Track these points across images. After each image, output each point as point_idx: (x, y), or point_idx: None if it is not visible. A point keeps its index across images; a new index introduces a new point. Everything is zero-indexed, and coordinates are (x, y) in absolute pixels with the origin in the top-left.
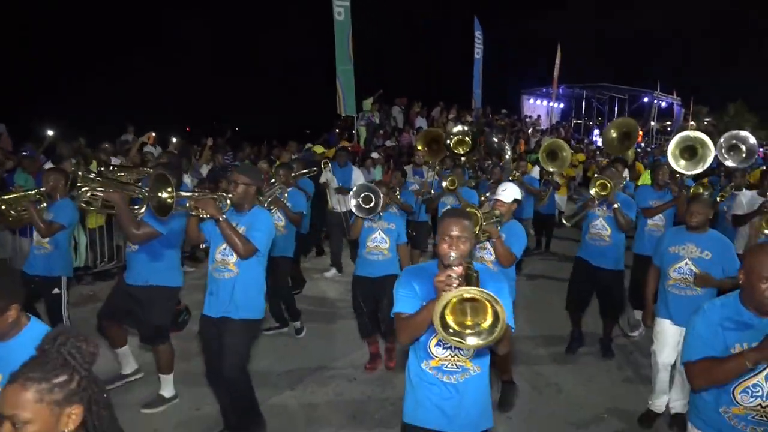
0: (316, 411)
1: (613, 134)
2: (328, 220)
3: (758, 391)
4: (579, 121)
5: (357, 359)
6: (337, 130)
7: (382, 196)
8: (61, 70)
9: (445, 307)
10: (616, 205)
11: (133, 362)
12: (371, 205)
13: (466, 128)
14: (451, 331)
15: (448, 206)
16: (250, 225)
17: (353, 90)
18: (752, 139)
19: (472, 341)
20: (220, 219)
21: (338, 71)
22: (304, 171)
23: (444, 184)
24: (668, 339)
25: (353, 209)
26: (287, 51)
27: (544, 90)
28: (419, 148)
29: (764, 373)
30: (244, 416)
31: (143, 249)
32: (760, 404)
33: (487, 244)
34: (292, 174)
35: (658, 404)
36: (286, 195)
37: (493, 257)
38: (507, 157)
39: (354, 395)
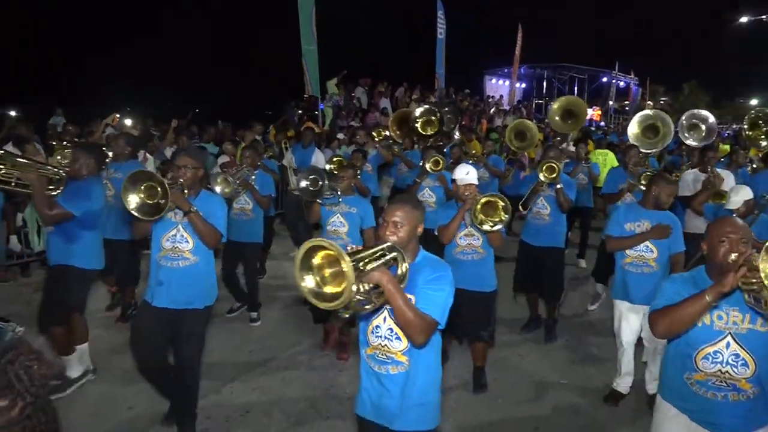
0: (278, 397)
1: (556, 108)
2: (285, 200)
3: (718, 358)
4: (540, 101)
5: (320, 342)
6: (299, 111)
7: (327, 180)
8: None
9: (302, 261)
10: (558, 186)
11: (88, 360)
12: (317, 188)
13: (431, 108)
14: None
15: (426, 189)
16: (206, 212)
17: (317, 70)
18: (712, 118)
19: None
20: (191, 210)
21: (303, 51)
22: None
23: (427, 165)
24: (629, 320)
25: (300, 191)
26: (253, 32)
27: (506, 70)
28: (393, 129)
29: (725, 340)
30: (190, 407)
31: (59, 230)
32: (719, 370)
33: (474, 230)
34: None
35: (624, 384)
36: (254, 177)
37: (480, 242)
38: (456, 137)
39: (322, 376)
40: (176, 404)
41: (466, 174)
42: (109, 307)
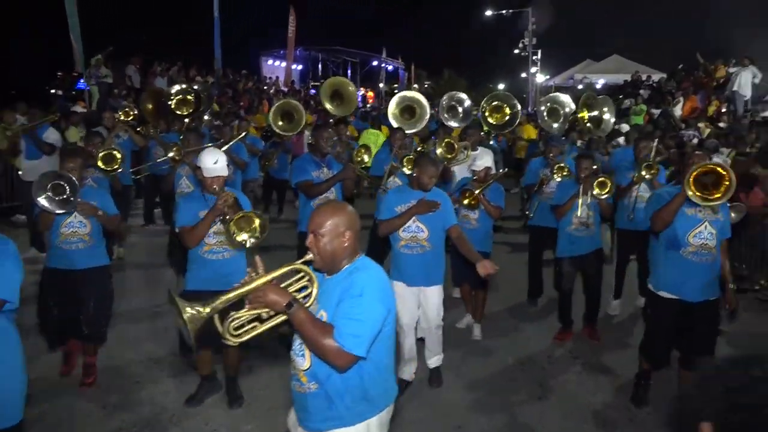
0: None
1: (325, 93)
2: (21, 190)
3: (295, 341)
4: (316, 83)
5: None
6: (60, 92)
7: (76, 180)
8: None
9: None
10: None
11: None
12: (65, 195)
13: (186, 87)
14: None
15: (183, 178)
16: None
17: (81, 45)
18: (468, 101)
19: None
20: None
21: (69, 24)
22: None
23: (170, 154)
24: (407, 301)
25: (44, 207)
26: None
27: (281, 52)
28: (147, 109)
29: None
30: None
31: None
32: (294, 360)
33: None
34: None
35: (408, 372)
36: None
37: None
38: (206, 117)
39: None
40: None
41: (214, 163)
42: None
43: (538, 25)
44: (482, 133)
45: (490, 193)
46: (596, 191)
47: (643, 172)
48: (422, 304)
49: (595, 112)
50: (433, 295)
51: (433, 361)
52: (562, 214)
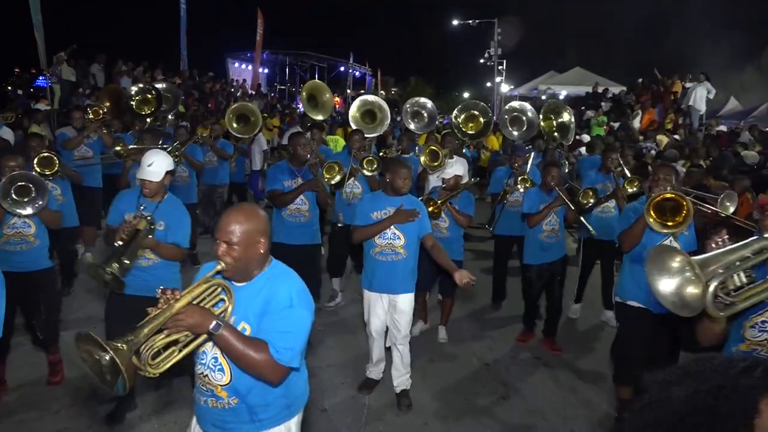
0: None
1: (304, 96)
2: None
3: (203, 359)
4: (283, 87)
5: None
6: (20, 91)
7: (45, 183)
8: None
9: None
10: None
11: None
12: (32, 195)
13: (146, 85)
14: None
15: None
16: None
17: (43, 43)
18: (430, 104)
19: None
20: None
21: (34, 22)
22: None
23: (117, 148)
24: (377, 308)
25: (9, 209)
26: None
27: (249, 54)
28: (106, 105)
29: (210, 342)
30: None
31: None
32: (202, 373)
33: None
34: None
35: (376, 371)
36: None
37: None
38: (170, 117)
39: None
40: None
41: (148, 165)
42: None
43: (504, 36)
44: (456, 142)
45: (461, 201)
46: (583, 201)
47: (626, 186)
48: (393, 312)
49: (563, 118)
50: (404, 302)
51: (402, 381)
52: (536, 222)
